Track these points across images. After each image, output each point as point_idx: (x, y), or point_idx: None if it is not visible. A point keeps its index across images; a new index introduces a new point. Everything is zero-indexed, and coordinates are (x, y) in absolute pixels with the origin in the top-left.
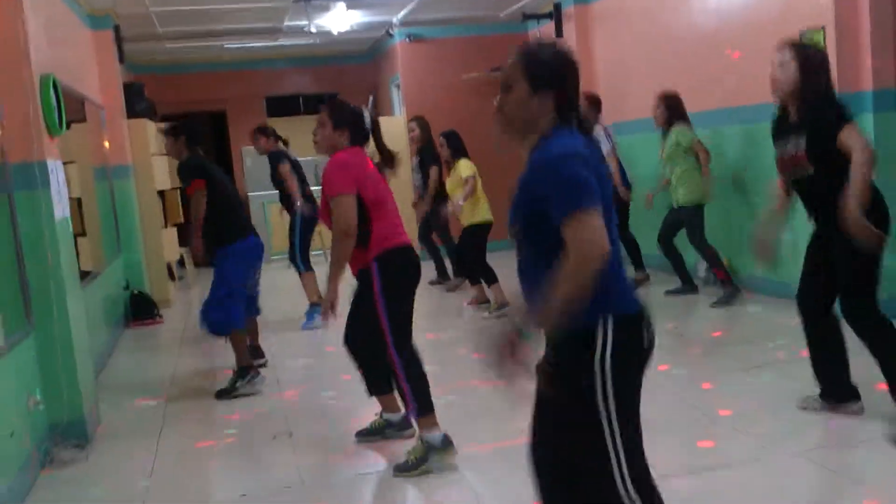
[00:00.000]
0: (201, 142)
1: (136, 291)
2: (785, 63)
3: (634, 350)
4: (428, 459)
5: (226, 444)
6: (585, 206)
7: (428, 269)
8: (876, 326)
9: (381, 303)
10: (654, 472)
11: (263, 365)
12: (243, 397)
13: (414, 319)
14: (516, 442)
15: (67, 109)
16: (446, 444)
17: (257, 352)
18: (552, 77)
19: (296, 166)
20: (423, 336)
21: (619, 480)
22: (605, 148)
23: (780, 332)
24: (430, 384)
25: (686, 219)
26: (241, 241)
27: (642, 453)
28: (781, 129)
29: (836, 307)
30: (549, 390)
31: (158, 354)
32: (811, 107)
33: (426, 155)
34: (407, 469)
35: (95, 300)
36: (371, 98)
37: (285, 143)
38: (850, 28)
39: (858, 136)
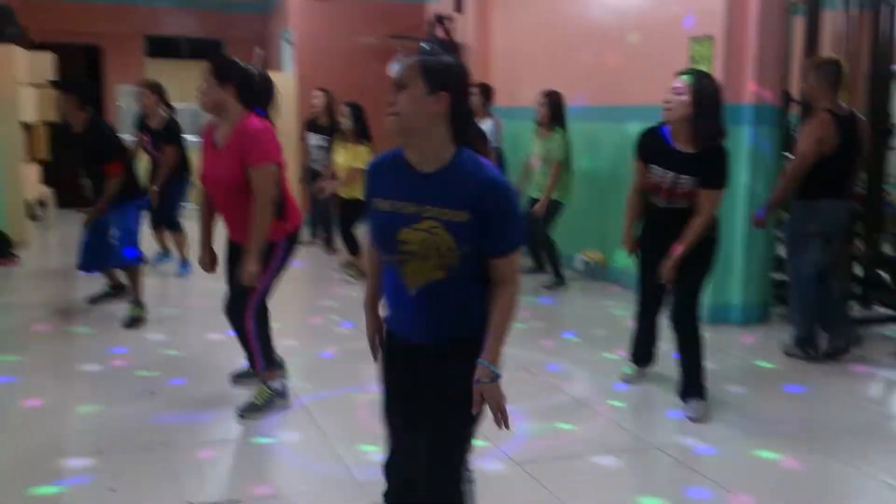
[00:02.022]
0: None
1: None
2: (680, 90)
3: None
4: (273, 402)
5: (83, 397)
6: (518, 245)
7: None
8: (693, 329)
9: (268, 276)
10: None
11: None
12: (107, 346)
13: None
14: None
15: None
16: (285, 392)
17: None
18: (448, 80)
19: (181, 135)
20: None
21: (467, 461)
22: (491, 140)
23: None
24: None
25: (546, 212)
26: (142, 197)
27: None
28: (661, 152)
29: None
30: (445, 378)
31: (13, 294)
32: (705, 146)
33: (326, 131)
34: (256, 410)
35: None
36: (258, 51)
37: (170, 107)
38: (738, 40)
39: (712, 205)
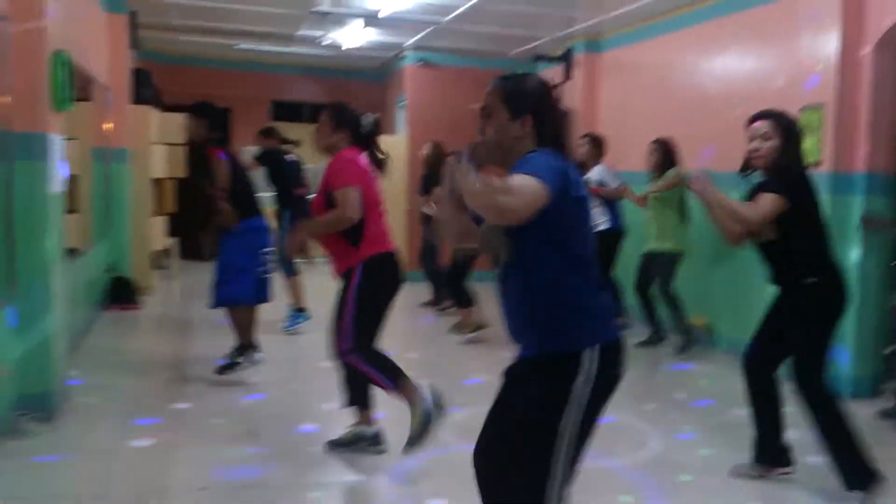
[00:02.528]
0: (223, 129)
1: (118, 275)
2: (768, 134)
3: (610, 377)
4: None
5: (190, 436)
6: (538, 176)
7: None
8: (821, 398)
9: (352, 304)
10: None
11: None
12: (223, 388)
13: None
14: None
15: (74, 87)
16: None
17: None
18: (530, 103)
19: (285, 167)
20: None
21: (550, 496)
22: (614, 184)
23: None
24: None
25: (661, 267)
26: (249, 223)
27: (575, 470)
28: (755, 189)
29: (781, 372)
30: (517, 396)
31: (135, 340)
32: (783, 175)
33: (429, 181)
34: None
35: (78, 278)
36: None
37: (293, 143)
38: (850, 108)
39: (761, 206)
